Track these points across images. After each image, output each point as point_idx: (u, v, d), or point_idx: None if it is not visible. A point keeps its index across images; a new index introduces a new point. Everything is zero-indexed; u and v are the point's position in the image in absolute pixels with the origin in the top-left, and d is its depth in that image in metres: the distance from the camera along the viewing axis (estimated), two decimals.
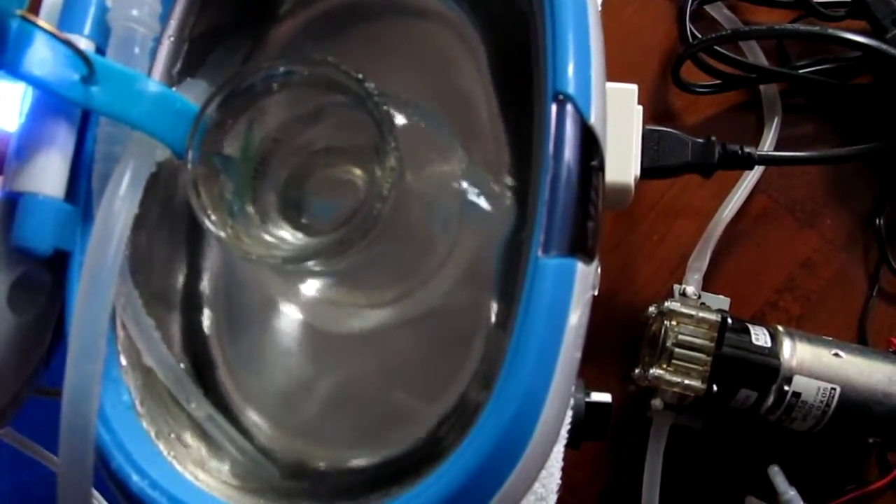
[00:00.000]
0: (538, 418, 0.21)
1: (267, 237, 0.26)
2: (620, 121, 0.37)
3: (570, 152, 0.22)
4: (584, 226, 0.22)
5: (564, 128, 0.22)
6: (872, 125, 0.44)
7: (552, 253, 0.21)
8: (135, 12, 0.24)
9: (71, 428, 0.22)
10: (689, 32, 0.44)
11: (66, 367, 0.22)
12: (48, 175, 0.24)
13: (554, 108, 0.22)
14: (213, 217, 0.25)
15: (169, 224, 0.29)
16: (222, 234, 0.24)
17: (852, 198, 0.44)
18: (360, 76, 0.24)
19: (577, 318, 0.21)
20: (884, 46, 0.39)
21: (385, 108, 0.24)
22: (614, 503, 0.42)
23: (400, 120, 0.27)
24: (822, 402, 0.37)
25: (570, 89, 0.23)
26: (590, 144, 0.23)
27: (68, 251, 0.25)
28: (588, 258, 0.22)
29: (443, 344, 0.28)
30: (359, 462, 0.26)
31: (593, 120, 0.23)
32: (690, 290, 0.42)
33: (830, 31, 0.40)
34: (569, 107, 0.23)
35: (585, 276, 0.22)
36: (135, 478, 0.23)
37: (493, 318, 0.26)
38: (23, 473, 0.33)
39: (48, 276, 0.26)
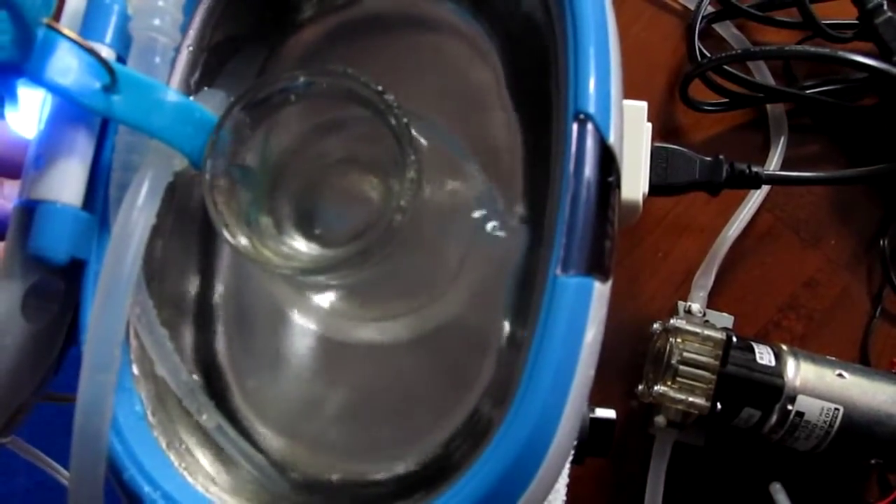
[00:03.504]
0: (553, 436, 0.21)
1: (283, 248, 0.26)
2: (630, 138, 0.37)
3: (590, 172, 0.22)
4: (602, 245, 0.22)
5: (585, 147, 0.22)
6: (878, 146, 0.44)
7: (570, 272, 0.21)
8: (157, 22, 0.24)
9: (84, 438, 0.22)
10: (697, 50, 0.44)
11: (81, 377, 0.22)
12: (67, 183, 0.24)
13: (575, 127, 0.22)
14: (231, 227, 0.24)
15: (182, 233, 0.28)
16: (243, 242, 0.24)
17: (857, 218, 0.44)
18: (381, 88, 0.24)
19: (592, 335, 0.21)
20: (891, 69, 0.40)
21: (405, 120, 0.24)
22: None
23: (416, 134, 0.27)
24: (825, 422, 0.37)
25: (591, 109, 0.23)
26: (608, 163, 0.23)
27: (84, 260, 0.25)
28: (604, 277, 0.22)
29: (454, 359, 0.28)
30: (371, 476, 0.26)
31: (612, 139, 0.23)
32: (695, 307, 0.42)
33: (840, 53, 0.40)
34: (589, 126, 0.23)
35: (602, 295, 0.22)
36: (147, 489, 0.23)
37: (505, 335, 0.26)
38: (38, 473, 0.33)
39: (61, 284, 0.25)
